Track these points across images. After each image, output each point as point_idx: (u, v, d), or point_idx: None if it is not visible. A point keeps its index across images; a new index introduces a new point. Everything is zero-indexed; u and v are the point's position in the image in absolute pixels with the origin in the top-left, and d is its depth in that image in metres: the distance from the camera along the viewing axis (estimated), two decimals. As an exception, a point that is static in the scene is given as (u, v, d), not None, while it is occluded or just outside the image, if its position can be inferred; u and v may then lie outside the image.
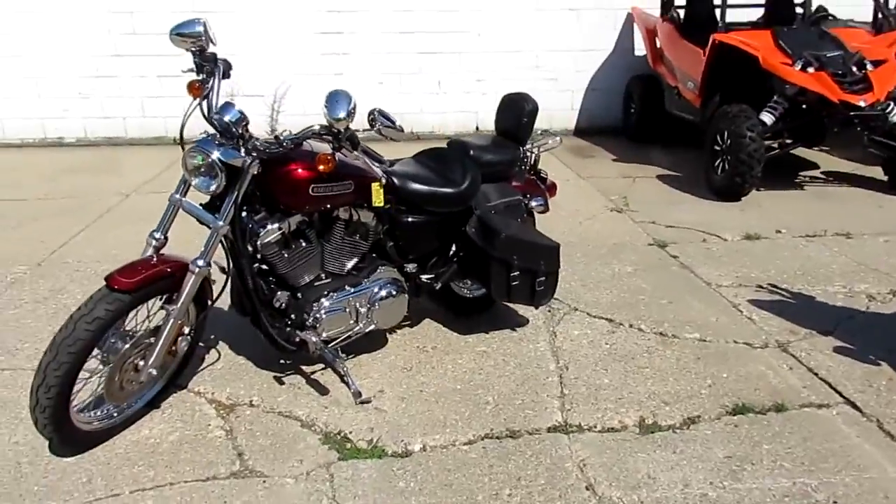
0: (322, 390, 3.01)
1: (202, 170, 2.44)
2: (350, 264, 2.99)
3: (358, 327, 3.02)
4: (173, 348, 2.64)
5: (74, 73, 7.68)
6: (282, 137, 2.55)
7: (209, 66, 2.58)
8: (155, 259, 2.52)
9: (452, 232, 3.22)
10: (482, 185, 3.31)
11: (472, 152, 3.29)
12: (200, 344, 3.02)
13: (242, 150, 2.48)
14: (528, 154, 3.56)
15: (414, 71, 8.02)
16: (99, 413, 2.58)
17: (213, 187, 2.46)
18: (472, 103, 8.21)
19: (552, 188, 3.75)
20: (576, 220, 5.34)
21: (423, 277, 3.29)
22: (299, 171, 2.59)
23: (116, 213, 5.42)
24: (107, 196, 5.81)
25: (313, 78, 7.82)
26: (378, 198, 2.68)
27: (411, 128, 7.88)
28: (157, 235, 2.57)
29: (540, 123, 4.04)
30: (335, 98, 2.48)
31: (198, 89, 2.59)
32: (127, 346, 2.49)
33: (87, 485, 2.43)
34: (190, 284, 2.53)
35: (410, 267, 3.21)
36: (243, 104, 7.33)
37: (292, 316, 2.88)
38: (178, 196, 2.58)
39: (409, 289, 3.22)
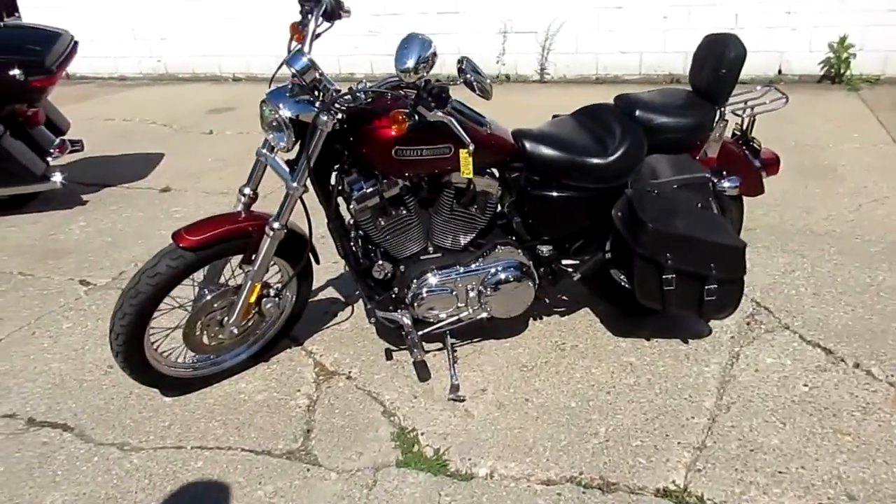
0: (424, 374, 2.67)
1: (274, 124, 2.21)
2: (464, 239, 2.56)
3: (466, 312, 2.61)
4: (256, 310, 2.52)
5: (366, 10, 8.04)
6: (356, 89, 2.19)
7: (308, 5, 2.29)
8: (233, 217, 2.39)
9: (602, 212, 2.57)
10: (654, 156, 2.58)
11: (637, 112, 2.55)
12: (323, 301, 2.88)
13: (318, 103, 2.17)
14: (732, 116, 2.67)
15: (706, 2, 6.84)
16: (186, 361, 2.58)
17: (282, 143, 2.22)
18: (777, 41, 6.77)
19: (771, 164, 2.81)
20: (855, 200, 4.07)
21: (562, 263, 2.71)
22: (378, 130, 2.21)
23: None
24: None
25: (590, 12, 7.15)
26: (467, 168, 2.19)
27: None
28: (247, 191, 2.44)
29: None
30: (405, 44, 2.04)
31: (299, 32, 2.33)
32: (207, 298, 2.44)
33: (165, 430, 2.48)
34: (266, 246, 2.36)
35: (544, 249, 2.65)
36: (514, 41, 7.31)
37: (395, 290, 2.57)
38: (264, 150, 2.39)
39: (543, 275, 2.68)
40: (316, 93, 2.19)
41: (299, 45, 2.21)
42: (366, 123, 2.23)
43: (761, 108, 2.68)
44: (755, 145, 2.79)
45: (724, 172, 2.64)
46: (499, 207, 2.61)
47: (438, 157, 2.28)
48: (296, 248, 2.49)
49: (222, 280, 2.57)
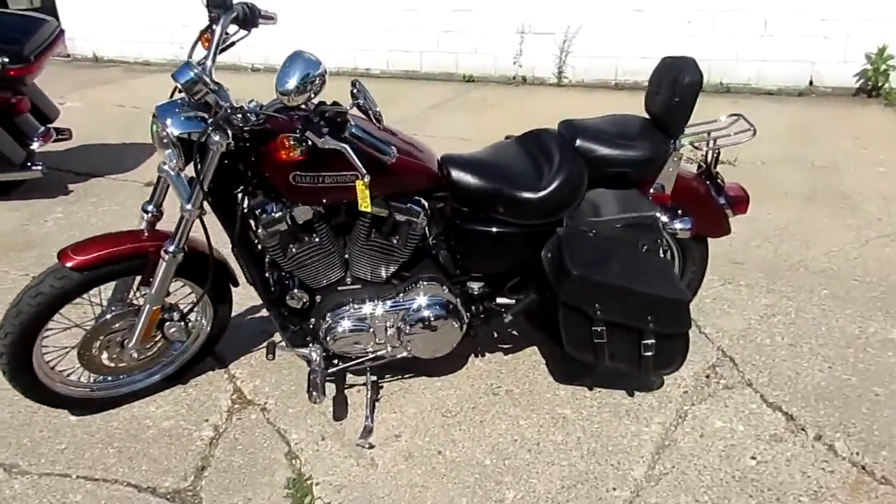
0: (342, 412, 2.49)
1: (164, 141, 2.03)
2: (385, 271, 2.35)
3: (384, 350, 2.40)
4: (159, 333, 2.36)
5: (383, 4, 7.84)
6: (247, 108, 1.99)
7: (216, 11, 2.11)
8: (131, 236, 2.23)
9: (539, 249, 2.32)
10: (599, 190, 2.32)
11: (578, 142, 2.29)
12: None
13: (210, 121, 1.98)
14: (692, 148, 2.39)
15: (734, 6, 6.43)
16: (86, 381, 2.44)
17: (172, 162, 2.04)
18: (808, 50, 6.33)
19: (738, 202, 2.51)
20: (863, 235, 3.71)
21: (495, 302, 2.47)
22: (271, 153, 2.01)
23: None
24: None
25: (609, 15, 6.82)
26: (364, 200, 1.97)
27: (720, 78, 6.44)
28: (150, 208, 2.27)
29: None
30: (287, 63, 1.84)
31: (207, 41, 2.15)
32: (107, 318, 2.29)
33: (57, 454, 2.35)
34: (162, 270, 2.20)
35: (475, 286, 2.42)
36: (532, 42, 7.04)
37: (311, 321, 2.38)
38: (165, 166, 2.21)
39: (474, 313, 2.46)
40: (208, 109, 2.00)
41: (190, 58, 2.01)
42: (262, 145, 2.04)
43: (725, 141, 2.39)
44: (719, 181, 2.49)
45: (680, 211, 2.36)
46: (427, 239, 2.38)
47: (341, 185, 2.07)
48: (206, 270, 2.32)
49: (131, 298, 2.41)
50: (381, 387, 2.63)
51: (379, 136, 2.02)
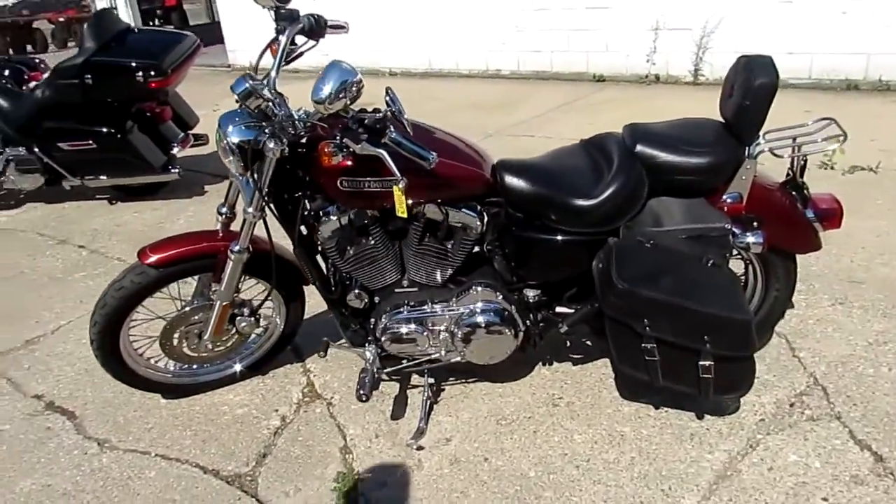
0: (399, 411, 2.54)
1: (225, 147, 2.17)
2: (440, 276, 2.36)
3: (438, 354, 2.41)
4: (231, 328, 2.53)
5: (514, 5, 7.85)
6: (296, 116, 2.07)
7: (282, 23, 2.23)
8: (204, 236, 2.40)
9: (592, 260, 2.24)
10: (664, 199, 2.19)
11: (638, 147, 2.17)
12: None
13: (267, 129, 2.10)
14: (775, 155, 2.19)
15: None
16: (169, 367, 2.66)
17: (234, 169, 2.18)
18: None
19: (829, 215, 2.26)
20: None
21: (553, 311, 2.41)
22: (319, 160, 2.09)
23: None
24: (471, 133, 5.85)
25: (753, 7, 6.38)
26: (400, 206, 1.98)
27: (879, 75, 5.84)
28: (224, 210, 2.44)
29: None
30: (325, 73, 1.90)
31: (274, 51, 2.28)
32: (186, 311, 2.49)
33: (144, 432, 2.58)
34: (230, 268, 2.35)
35: (531, 294, 2.37)
36: (666, 38, 6.76)
37: (371, 320, 2.46)
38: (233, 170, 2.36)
39: (532, 322, 2.41)
40: (266, 118, 2.11)
41: (255, 69, 2.15)
42: (312, 151, 2.12)
43: (811, 147, 2.16)
44: (806, 192, 2.26)
45: (756, 224, 2.17)
46: (483, 245, 2.36)
47: (387, 189, 2.10)
48: (289, 273, 2.46)
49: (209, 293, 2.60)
50: (443, 389, 2.64)
51: (421, 141, 2.03)
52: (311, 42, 2.36)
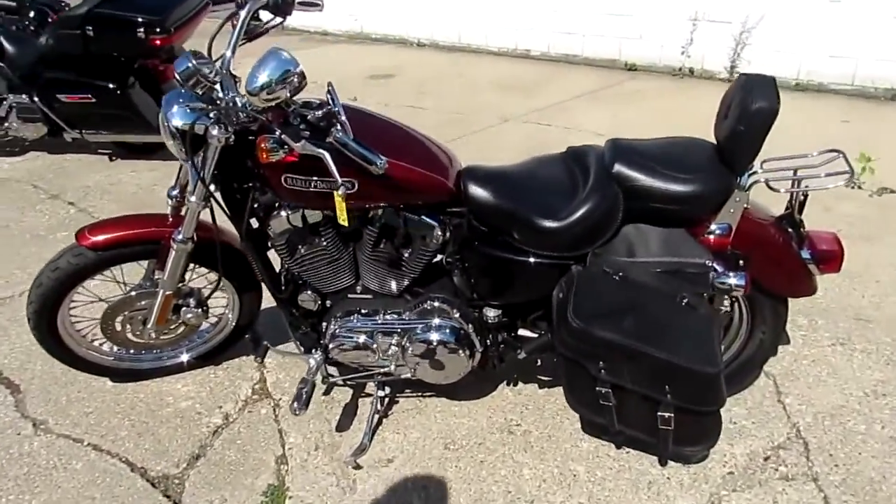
0: (346, 423, 2.40)
1: (167, 131, 2.00)
2: (395, 286, 2.18)
3: (388, 369, 2.25)
4: (175, 317, 2.39)
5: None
6: (240, 103, 1.88)
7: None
8: (150, 220, 2.25)
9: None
10: (640, 226, 1.98)
11: (616, 167, 1.94)
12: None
13: (212, 114, 1.92)
14: (770, 188, 1.95)
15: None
16: (111, 350, 2.53)
17: (176, 154, 2.01)
18: None
19: (826, 258, 2.02)
20: None
21: (511, 334, 2.22)
22: (259, 154, 1.90)
23: (470, 142, 5.19)
24: (487, 118, 5.64)
25: (798, 4, 5.97)
26: (341, 213, 1.80)
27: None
28: (174, 193, 2.28)
29: None
30: (261, 62, 1.70)
31: (233, 26, 2.09)
32: (131, 295, 2.36)
33: (82, 417, 2.47)
34: (173, 257, 2.20)
35: (491, 314, 2.18)
36: (704, 31, 6.39)
37: (323, 325, 2.30)
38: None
39: (492, 342, 2.22)
40: (210, 101, 1.93)
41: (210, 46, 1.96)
42: (255, 144, 1.94)
43: (813, 183, 1.92)
44: (803, 230, 2.02)
45: (742, 262, 1.94)
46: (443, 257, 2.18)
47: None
48: (228, 259, 2.30)
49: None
50: (396, 402, 2.49)
51: (378, 142, 1.83)
52: (278, 18, 2.15)
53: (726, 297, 1.96)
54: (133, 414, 2.48)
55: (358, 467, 2.20)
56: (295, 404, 2.12)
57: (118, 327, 2.41)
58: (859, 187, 4.11)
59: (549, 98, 6.17)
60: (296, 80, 1.70)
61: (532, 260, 2.02)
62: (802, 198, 1.99)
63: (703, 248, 1.92)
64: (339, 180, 1.74)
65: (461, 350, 2.15)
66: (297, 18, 8.83)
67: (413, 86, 6.68)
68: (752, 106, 1.76)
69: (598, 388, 1.84)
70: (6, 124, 4.84)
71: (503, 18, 7.79)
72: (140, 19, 4.34)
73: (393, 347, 2.20)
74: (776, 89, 1.78)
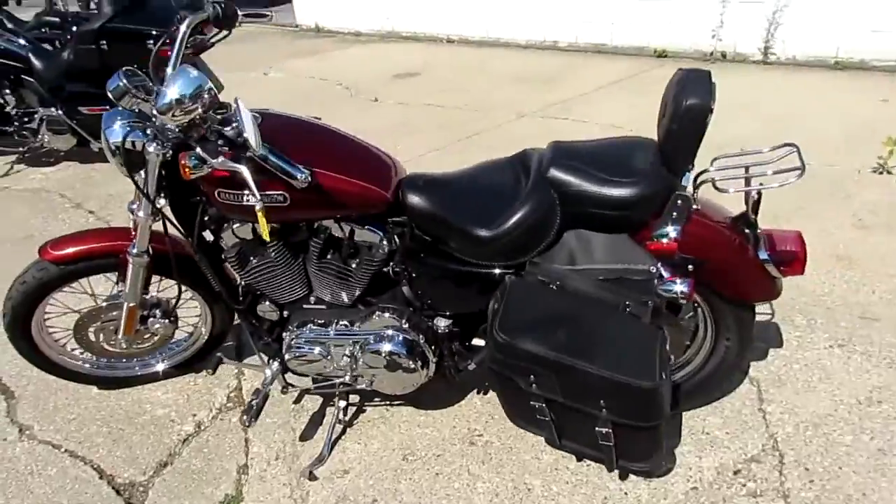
0: (311, 432, 2.40)
1: (109, 148, 2.03)
2: (346, 296, 2.17)
3: (341, 379, 2.23)
4: (144, 328, 2.43)
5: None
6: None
7: (182, 14, 2.06)
8: (111, 233, 2.30)
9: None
10: (583, 232, 1.90)
11: (551, 171, 1.86)
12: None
13: (150, 131, 1.94)
14: (696, 189, 1.84)
15: None
16: (86, 359, 2.59)
17: (119, 168, 2.04)
18: None
19: (787, 260, 1.89)
20: None
21: (463, 344, 2.17)
22: (184, 171, 1.91)
23: (480, 139, 5.12)
24: (503, 114, 5.55)
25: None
26: (263, 230, 1.78)
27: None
28: (133, 207, 2.30)
29: None
30: (169, 80, 1.70)
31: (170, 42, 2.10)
32: (102, 306, 2.42)
33: (65, 423, 2.54)
34: (131, 270, 2.24)
35: (441, 324, 2.13)
36: (735, 12, 6.13)
37: (282, 335, 2.30)
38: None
39: (446, 353, 2.18)
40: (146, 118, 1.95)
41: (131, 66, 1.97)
42: (188, 159, 1.94)
43: (762, 181, 1.79)
44: (757, 231, 1.89)
45: (691, 267, 1.83)
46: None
47: (271, 205, 1.91)
48: (191, 271, 2.32)
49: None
50: (364, 411, 2.47)
51: (306, 152, 1.82)
52: (224, 32, 2.16)
53: (676, 304, 1.85)
54: (112, 421, 2.54)
55: (314, 478, 2.19)
56: (244, 416, 2.13)
57: (91, 337, 2.47)
58: (888, 171, 3.85)
59: (572, 90, 6.03)
60: (206, 96, 1.70)
61: (471, 270, 1.96)
62: (756, 196, 1.86)
63: (647, 254, 1.83)
64: (258, 196, 1.73)
65: (412, 360, 2.11)
66: (330, 20, 9.04)
67: (435, 83, 6.64)
68: (683, 103, 1.66)
69: (531, 403, 1.77)
70: (39, 136, 5.05)
71: (531, 10, 7.66)
72: (148, 31, 4.44)
73: (345, 358, 2.18)
74: (710, 85, 1.68)
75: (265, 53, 8.68)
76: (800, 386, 2.38)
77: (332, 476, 2.20)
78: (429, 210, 1.94)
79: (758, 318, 2.63)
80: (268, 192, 1.88)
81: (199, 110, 1.72)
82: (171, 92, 1.69)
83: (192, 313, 2.60)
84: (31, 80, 4.96)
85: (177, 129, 1.84)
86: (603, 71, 6.55)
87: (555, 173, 1.84)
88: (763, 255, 1.88)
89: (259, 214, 1.76)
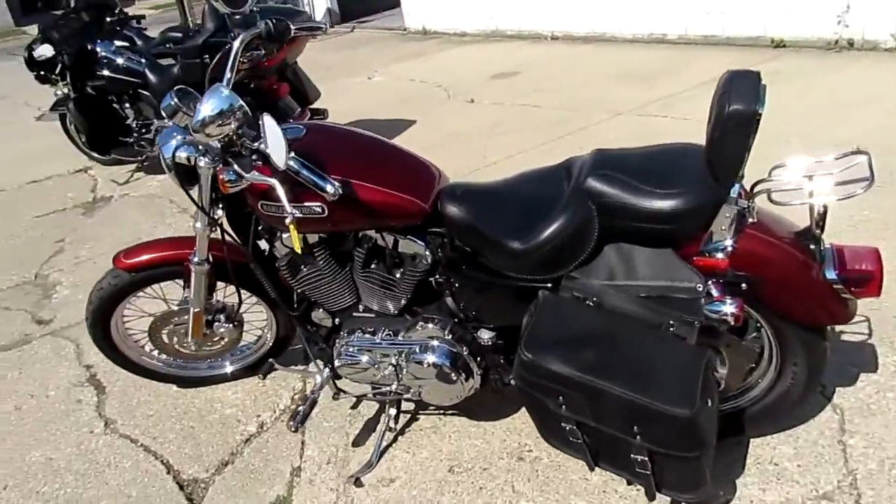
0: (364, 438, 2.43)
1: (165, 164, 2.13)
2: (391, 305, 2.17)
3: (389, 388, 2.24)
4: (209, 332, 2.54)
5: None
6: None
7: (235, 32, 2.15)
8: (177, 243, 2.42)
9: (543, 308, 1.90)
10: (624, 246, 1.79)
11: (589, 181, 1.76)
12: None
13: (201, 146, 2.02)
14: (752, 201, 1.68)
15: None
16: (165, 359, 2.74)
17: (174, 182, 2.14)
18: None
19: (859, 280, 1.69)
20: None
21: (506, 357, 2.11)
22: (222, 186, 1.97)
23: (574, 139, 4.98)
24: (599, 113, 5.38)
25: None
26: (296, 243, 1.80)
27: None
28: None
29: None
30: (203, 99, 1.76)
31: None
32: (172, 310, 2.55)
33: (144, 419, 2.70)
34: (194, 278, 2.35)
35: (485, 337, 2.08)
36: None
37: (335, 342, 2.35)
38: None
39: (487, 367, 2.14)
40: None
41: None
42: (242, 173, 2.01)
43: (824, 193, 1.61)
44: (822, 248, 1.70)
45: (746, 285, 1.68)
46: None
47: (310, 216, 1.94)
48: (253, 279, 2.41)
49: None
50: (417, 419, 2.47)
51: (335, 165, 1.84)
52: (276, 46, 2.22)
53: (725, 325, 1.70)
54: (185, 418, 2.67)
55: (360, 485, 2.21)
56: (291, 422, 2.17)
57: (165, 339, 2.61)
58: None
59: (676, 86, 5.74)
60: (240, 114, 1.74)
61: (509, 283, 1.90)
62: (822, 209, 1.67)
63: (693, 271, 1.69)
64: (289, 208, 1.75)
65: (455, 372, 2.07)
66: (436, 22, 9.14)
67: (534, 83, 6.54)
68: (726, 109, 1.52)
69: (562, 425, 1.69)
70: (155, 146, 5.43)
71: (637, 2, 7.38)
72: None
73: (391, 367, 2.18)
74: (759, 87, 1.52)
75: (372, 58, 8.89)
76: (891, 417, 2.14)
77: (378, 484, 2.21)
78: (465, 221, 1.90)
79: (852, 337, 2.43)
80: (306, 204, 1.91)
81: (233, 126, 1.76)
82: (204, 109, 1.74)
83: (261, 318, 2.69)
84: (147, 93, 5.33)
85: (219, 145, 1.90)
86: (712, 65, 6.19)
87: (592, 184, 1.74)
88: (830, 274, 1.69)
89: (291, 227, 1.79)
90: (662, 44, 7.27)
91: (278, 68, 4.96)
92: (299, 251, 1.84)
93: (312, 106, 5.41)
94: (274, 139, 1.70)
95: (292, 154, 1.81)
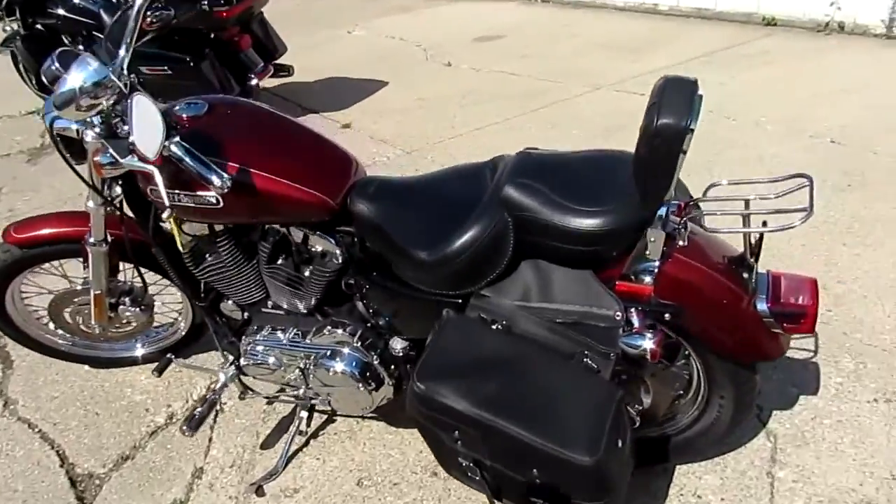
0: (274, 439, 2.27)
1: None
2: (300, 304, 1.99)
3: (297, 391, 2.08)
4: (112, 315, 2.35)
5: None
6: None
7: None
8: (75, 219, 2.21)
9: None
10: (541, 263, 1.61)
11: (506, 189, 1.56)
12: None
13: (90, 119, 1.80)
14: (684, 221, 1.50)
15: None
16: (69, 338, 2.56)
17: (61, 156, 1.92)
18: None
19: (792, 316, 1.52)
20: None
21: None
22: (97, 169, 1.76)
23: (545, 114, 4.74)
24: (578, 86, 5.13)
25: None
26: (177, 238, 1.61)
27: None
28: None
29: None
30: (72, 67, 1.54)
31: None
32: (75, 289, 2.37)
33: (48, 402, 2.52)
34: (91, 259, 2.15)
35: (397, 346, 1.91)
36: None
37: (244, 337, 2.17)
38: None
39: (401, 376, 1.97)
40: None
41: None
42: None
43: (760, 222, 1.43)
44: (761, 273, 1.53)
45: (668, 315, 1.51)
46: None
47: (204, 206, 1.74)
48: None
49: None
50: (333, 421, 2.31)
51: (234, 151, 1.64)
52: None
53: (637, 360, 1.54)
54: (91, 403, 2.51)
55: (261, 493, 2.07)
56: (185, 426, 2.00)
57: (68, 318, 2.43)
58: None
59: (661, 60, 5.50)
60: (109, 90, 1.52)
61: (417, 295, 1.73)
62: (758, 236, 1.50)
63: (613, 297, 1.52)
64: (167, 201, 1.56)
65: (364, 381, 1.91)
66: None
67: (517, 48, 6.26)
68: (654, 122, 1.32)
69: (459, 460, 1.54)
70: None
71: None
72: (206, -9, 4.36)
73: (297, 371, 2.01)
74: (693, 99, 1.32)
75: (358, 9, 8.51)
76: (824, 448, 2.00)
77: (280, 494, 2.07)
78: (373, 221, 1.71)
79: (796, 355, 2.29)
80: (199, 193, 1.71)
81: (103, 104, 1.55)
82: (67, 86, 1.52)
83: (177, 299, 2.51)
84: (102, 36, 5.02)
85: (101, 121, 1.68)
86: (700, 39, 5.94)
87: (510, 192, 1.55)
88: (762, 306, 1.52)
89: (171, 222, 1.59)
90: (654, 14, 6.98)
91: (239, 19, 4.68)
92: (181, 247, 1.65)
93: (277, 61, 5.14)
94: (146, 124, 1.49)
95: (177, 139, 1.60)
